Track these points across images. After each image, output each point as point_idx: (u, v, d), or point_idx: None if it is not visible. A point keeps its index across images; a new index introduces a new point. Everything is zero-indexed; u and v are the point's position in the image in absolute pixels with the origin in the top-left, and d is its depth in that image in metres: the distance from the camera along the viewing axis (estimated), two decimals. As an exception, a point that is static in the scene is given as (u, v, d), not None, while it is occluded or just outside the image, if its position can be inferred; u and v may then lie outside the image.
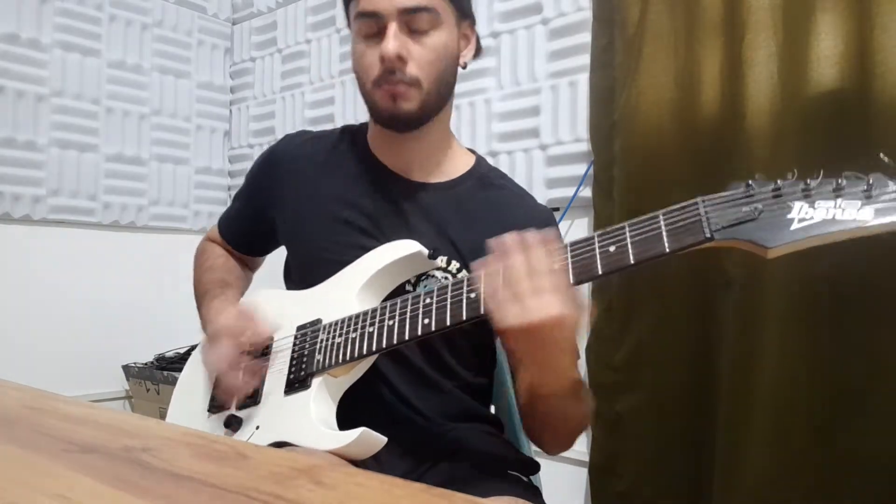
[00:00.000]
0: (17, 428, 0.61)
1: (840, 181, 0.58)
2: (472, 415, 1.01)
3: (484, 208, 0.98)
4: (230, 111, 2.67)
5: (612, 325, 1.56)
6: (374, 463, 0.84)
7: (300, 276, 1.01)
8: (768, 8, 1.33)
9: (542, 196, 1.75)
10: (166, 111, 2.45)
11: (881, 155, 0.58)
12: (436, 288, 0.79)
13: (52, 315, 2.15)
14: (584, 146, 1.67)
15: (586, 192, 1.66)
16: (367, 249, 0.91)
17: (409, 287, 0.94)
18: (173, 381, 2.07)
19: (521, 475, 0.94)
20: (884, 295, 1.19)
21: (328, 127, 2.35)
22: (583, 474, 1.63)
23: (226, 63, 2.67)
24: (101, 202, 2.26)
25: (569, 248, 0.72)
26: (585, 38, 1.66)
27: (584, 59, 1.67)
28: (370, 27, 0.88)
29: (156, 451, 0.52)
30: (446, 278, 0.92)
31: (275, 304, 0.98)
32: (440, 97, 0.93)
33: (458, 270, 0.93)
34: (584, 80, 1.67)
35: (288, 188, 1.02)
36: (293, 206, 1.01)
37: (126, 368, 2.24)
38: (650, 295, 1.49)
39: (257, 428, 0.88)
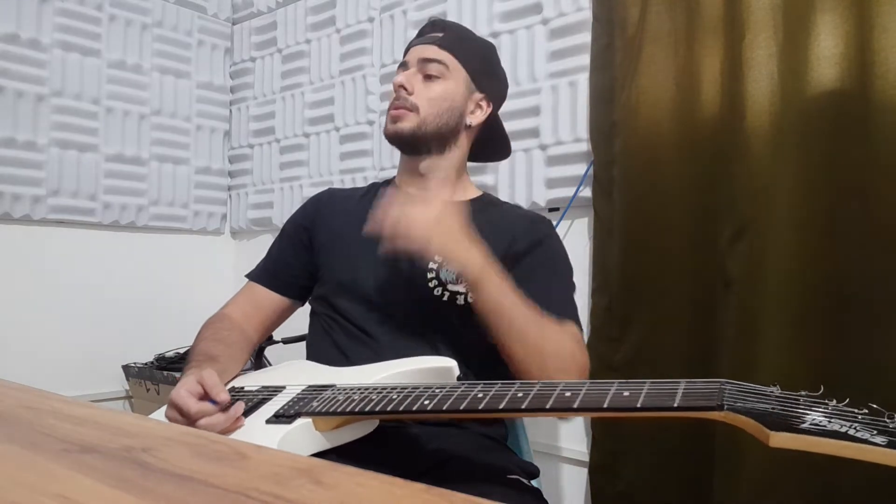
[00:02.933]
0: (17, 428, 0.61)
1: (862, 409, 0.58)
2: (470, 420, 1.01)
3: (489, 220, 1.12)
4: (230, 111, 2.67)
5: (612, 325, 1.56)
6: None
7: (329, 290, 1.12)
8: (768, 8, 1.33)
9: (542, 196, 1.75)
10: (166, 111, 2.45)
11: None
12: (448, 386, 0.82)
13: (52, 315, 2.15)
14: (584, 146, 1.67)
15: (586, 192, 1.66)
16: (386, 265, 1.06)
17: (431, 269, 1.05)
18: (173, 382, 2.07)
19: (522, 479, 0.94)
20: (884, 295, 1.19)
21: (328, 126, 2.37)
22: (583, 474, 1.63)
23: (226, 63, 2.67)
24: (101, 202, 2.26)
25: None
26: (585, 38, 1.66)
27: (584, 59, 1.67)
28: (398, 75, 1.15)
29: (156, 451, 0.52)
30: None
31: (303, 368, 1.04)
32: (438, 134, 1.13)
33: None
34: (584, 80, 1.67)
35: (328, 217, 1.20)
36: (331, 229, 1.18)
37: (126, 368, 2.25)
38: (650, 295, 1.49)
39: None
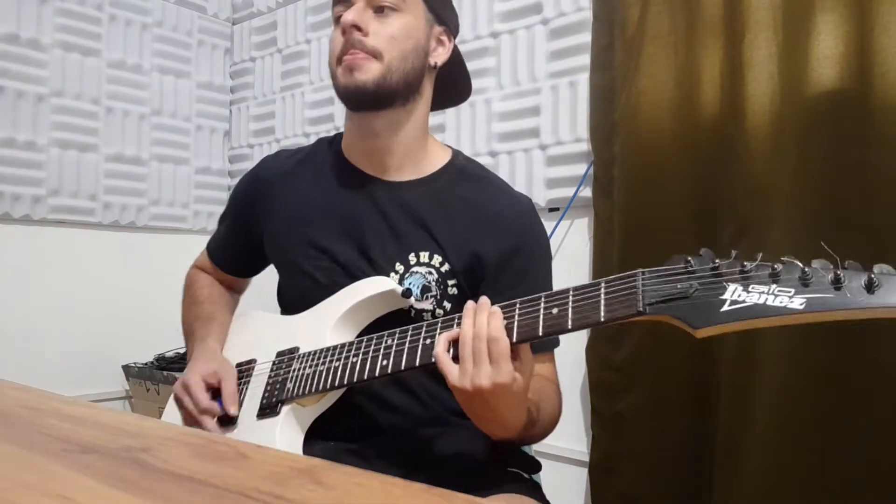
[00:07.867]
0: (17, 428, 0.61)
1: (776, 266, 0.59)
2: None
3: (462, 202, 0.96)
4: (230, 111, 2.67)
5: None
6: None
7: (290, 297, 1.05)
8: (768, 8, 1.33)
9: (541, 196, 1.75)
10: (166, 111, 2.45)
11: (822, 244, 0.60)
12: (398, 331, 0.83)
13: (52, 315, 2.15)
14: (584, 146, 1.67)
15: (586, 192, 1.66)
16: (348, 272, 0.95)
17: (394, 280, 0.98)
18: (173, 382, 2.07)
19: (522, 472, 0.94)
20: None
21: (328, 126, 2.35)
22: (583, 474, 1.63)
23: (226, 63, 2.67)
24: (101, 202, 2.26)
25: (518, 307, 0.75)
26: (585, 38, 1.66)
27: (584, 59, 1.67)
28: (341, 11, 0.92)
29: (156, 451, 0.52)
30: (430, 273, 0.94)
31: (262, 326, 1.05)
32: (405, 82, 0.92)
33: (441, 264, 0.94)
34: (584, 80, 1.67)
35: (271, 207, 1.04)
36: (276, 225, 1.04)
37: (126, 368, 2.24)
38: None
39: None
